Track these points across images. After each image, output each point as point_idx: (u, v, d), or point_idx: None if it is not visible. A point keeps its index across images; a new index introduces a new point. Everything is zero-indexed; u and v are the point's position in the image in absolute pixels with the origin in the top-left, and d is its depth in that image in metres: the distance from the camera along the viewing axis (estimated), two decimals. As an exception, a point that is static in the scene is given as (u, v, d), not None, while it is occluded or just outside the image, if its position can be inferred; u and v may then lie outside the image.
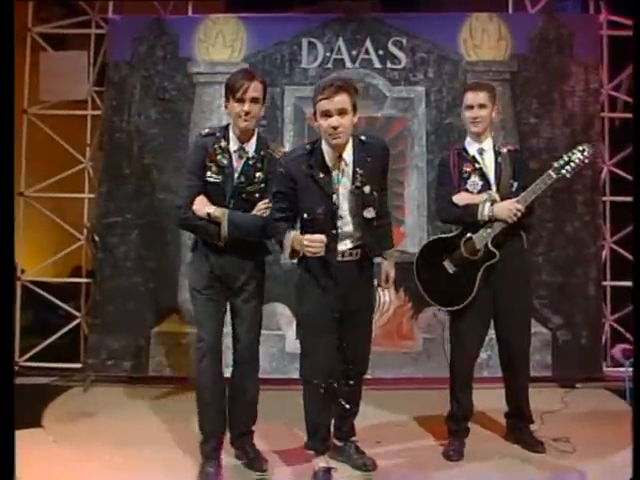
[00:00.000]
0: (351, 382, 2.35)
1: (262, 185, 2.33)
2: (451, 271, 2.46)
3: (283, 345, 3.33)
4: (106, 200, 3.42)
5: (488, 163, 2.46)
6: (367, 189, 2.19)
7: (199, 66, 3.45)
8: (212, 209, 2.28)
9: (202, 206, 2.28)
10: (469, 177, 2.44)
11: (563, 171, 2.28)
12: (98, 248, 3.43)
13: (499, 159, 2.45)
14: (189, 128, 3.41)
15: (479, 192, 2.42)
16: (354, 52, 3.42)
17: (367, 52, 3.43)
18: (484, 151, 2.48)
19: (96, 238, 3.44)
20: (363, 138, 2.25)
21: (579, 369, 3.29)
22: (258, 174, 2.33)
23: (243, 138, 2.34)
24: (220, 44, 3.45)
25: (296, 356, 3.14)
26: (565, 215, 3.37)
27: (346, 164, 2.19)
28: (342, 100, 2.11)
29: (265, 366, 3.16)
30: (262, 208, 2.30)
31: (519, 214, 2.33)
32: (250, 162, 2.33)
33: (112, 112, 3.45)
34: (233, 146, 2.34)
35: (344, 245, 2.23)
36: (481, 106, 2.45)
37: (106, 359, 3.35)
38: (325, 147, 2.20)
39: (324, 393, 2.23)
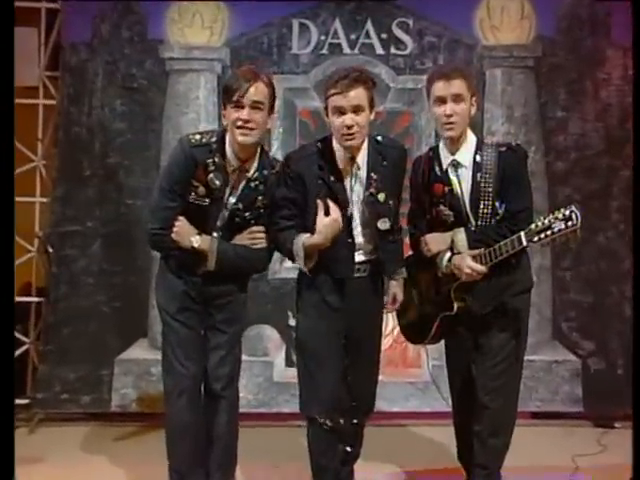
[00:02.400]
0: (354, 421, 2.48)
1: (262, 211, 2.40)
2: (417, 302, 2.57)
3: (271, 373, 3.57)
4: (62, 205, 3.63)
5: (464, 183, 2.42)
6: (382, 197, 2.35)
7: (172, 50, 3.66)
8: (197, 242, 2.33)
9: (185, 235, 2.34)
10: (438, 204, 2.44)
11: (536, 238, 2.23)
12: (52, 261, 3.64)
13: (479, 176, 2.39)
14: (161, 123, 3.63)
15: (451, 225, 2.44)
16: (353, 36, 3.66)
17: (368, 36, 3.66)
18: (459, 166, 2.43)
19: (50, 249, 3.65)
20: (379, 139, 2.41)
21: (615, 404, 3.48)
22: (260, 198, 2.38)
23: (243, 155, 2.34)
24: (197, 25, 3.67)
25: (285, 386, 3.48)
26: (596, 223, 3.59)
27: (359, 167, 2.35)
28: (358, 95, 2.25)
29: (250, 398, 3.45)
30: (255, 234, 2.38)
31: (476, 276, 2.35)
32: (252, 184, 2.38)
33: (69, 102, 3.66)
34: (230, 164, 2.35)
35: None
36: (457, 98, 2.35)
37: (59, 393, 3.54)
38: (337, 146, 2.35)
39: (330, 431, 2.36)
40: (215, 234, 2.39)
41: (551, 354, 3.62)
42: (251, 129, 2.27)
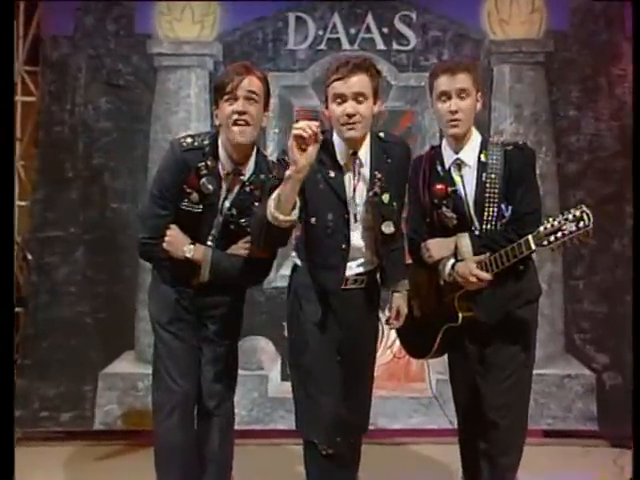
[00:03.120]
0: (350, 441, 2.48)
1: None
2: (417, 314, 2.62)
3: (266, 388, 3.67)
4: (43, 209, 3.71)
5: (468, 184, 2.47)
6: (386, 198, 2.38)
7: (161, 45, 3.74)
8: (190, 251, 2.38)
9: (177, 245, 2.39)
10: (440, 206, 2.48)
11: (545, 242, 2.28)
12: (31, 269, 3.72)
13: (484, 176, 2.44)
14: (149, 122, 3.72)
15: (454, 229, 2.49)
16: (352, 30, 3.75)
17: (368, 30, 3.76)
18: (463, 165, 2.48)
19: (29, 256, 3.73)
20: (382, 135, 2.44)
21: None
22: (256, 204, 2.39)
23: (238, 156, 2.38)
24: (187, 19, 3.76)
25: (281, 401, 3.55)
26: (611, 229, 3.67)
27: (362, 164, 2.37)
28: (360, 82, 2.27)
29: (243, 415, 3.50)
30: (248, 245, 2.41)
31: (482, 284, 2.40)
32: (247, 189, 2.43)
33: (50, 99, 3.74)
34: (224, 167, 2.40)
35: (349, 270, 2.40)
36: (462, 93, 2.40)
37: (38, 410, 3.62)
38: (337, 140, 2.37)
39: (329, 455, 2.37)
40: (210, 243, 2.44)
41: (563, 368, 3.70)
42: (247, 123, 2.31)
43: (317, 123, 2.13)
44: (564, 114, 3.77)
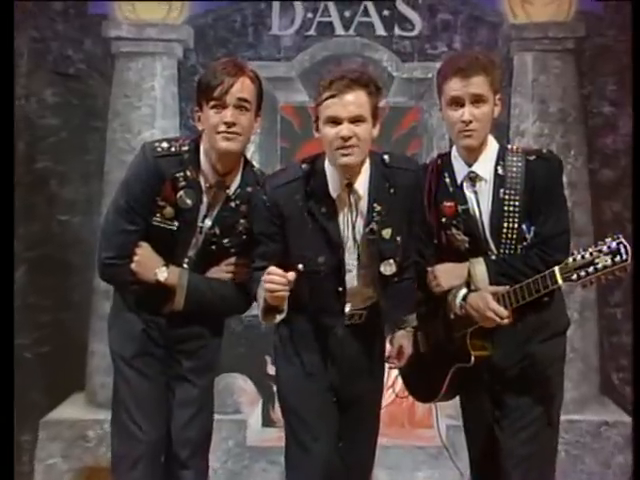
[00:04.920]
0: None
1: (244, 237, 2.50)
2: (423, 349, 2.66)
3: (244, 436, 3.75)
4: None
5: (483, 201, 2.52)
6: (387, 233, 2.43)
7: (120, 28, 3.86)
8: (164, 274, 2.44)
9: (148, 266, 2.46)
10: (450, 227, 2.54)
11: (575, 276, 2.32)
12: None
13: (502, 192, 2.49)
14: (106, 119, 3.81)
15: (466, 253, 2.54)
16: (347, 13, 3.87)
17: (366, 13, 3.89)
18: (478, 179, 2.52)
19: None
20: (386, 158, 2.46)
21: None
22: (242, 221, 2.48)
23: (223, 166, 2.45)
24: None
25: (262, 451, 3.65)
26: None
27: (359, 197, 2.41)
28: (357, 100, 2.31)
29: (217, 467, 3.58)
30: (235, 267, 2.52)
31: (499, 320, 2.43)
32: (232, 204, 2.49)
33: None
34: (206, 179, 2.47)
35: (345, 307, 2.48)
36: (477, 99, 2.43)
37: None
38: (329, 169, 2.41)
39: None
40: (185, 266, 2.51)
41: (599, 413, 3.83)
42: (236, 134, 2.38)
43: (292, 274, 2.22)
44: (597, 111, 3.91)
